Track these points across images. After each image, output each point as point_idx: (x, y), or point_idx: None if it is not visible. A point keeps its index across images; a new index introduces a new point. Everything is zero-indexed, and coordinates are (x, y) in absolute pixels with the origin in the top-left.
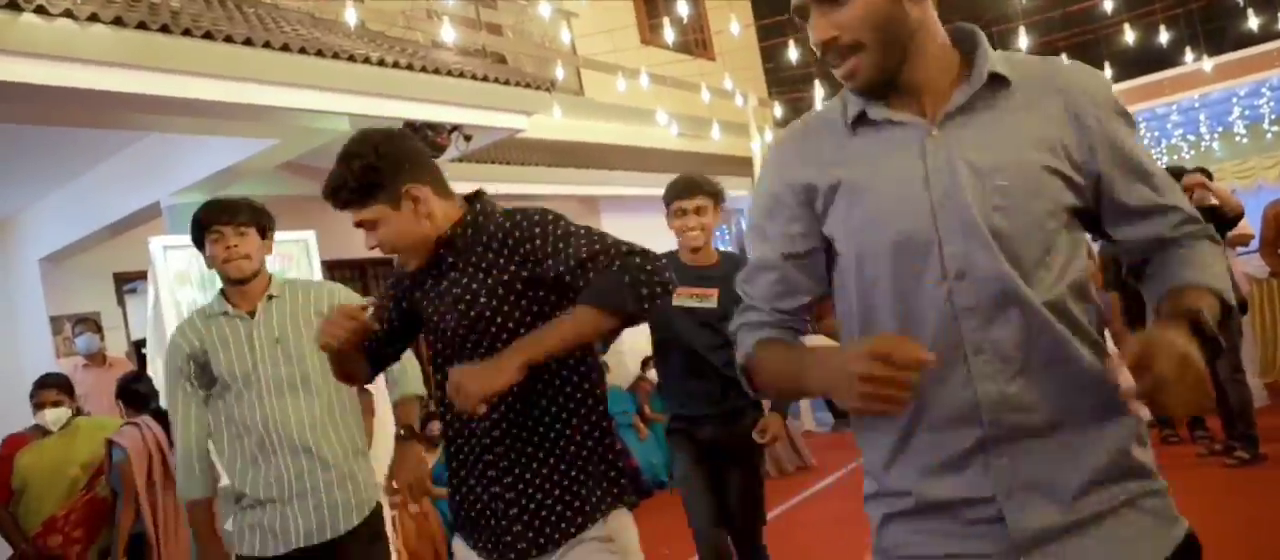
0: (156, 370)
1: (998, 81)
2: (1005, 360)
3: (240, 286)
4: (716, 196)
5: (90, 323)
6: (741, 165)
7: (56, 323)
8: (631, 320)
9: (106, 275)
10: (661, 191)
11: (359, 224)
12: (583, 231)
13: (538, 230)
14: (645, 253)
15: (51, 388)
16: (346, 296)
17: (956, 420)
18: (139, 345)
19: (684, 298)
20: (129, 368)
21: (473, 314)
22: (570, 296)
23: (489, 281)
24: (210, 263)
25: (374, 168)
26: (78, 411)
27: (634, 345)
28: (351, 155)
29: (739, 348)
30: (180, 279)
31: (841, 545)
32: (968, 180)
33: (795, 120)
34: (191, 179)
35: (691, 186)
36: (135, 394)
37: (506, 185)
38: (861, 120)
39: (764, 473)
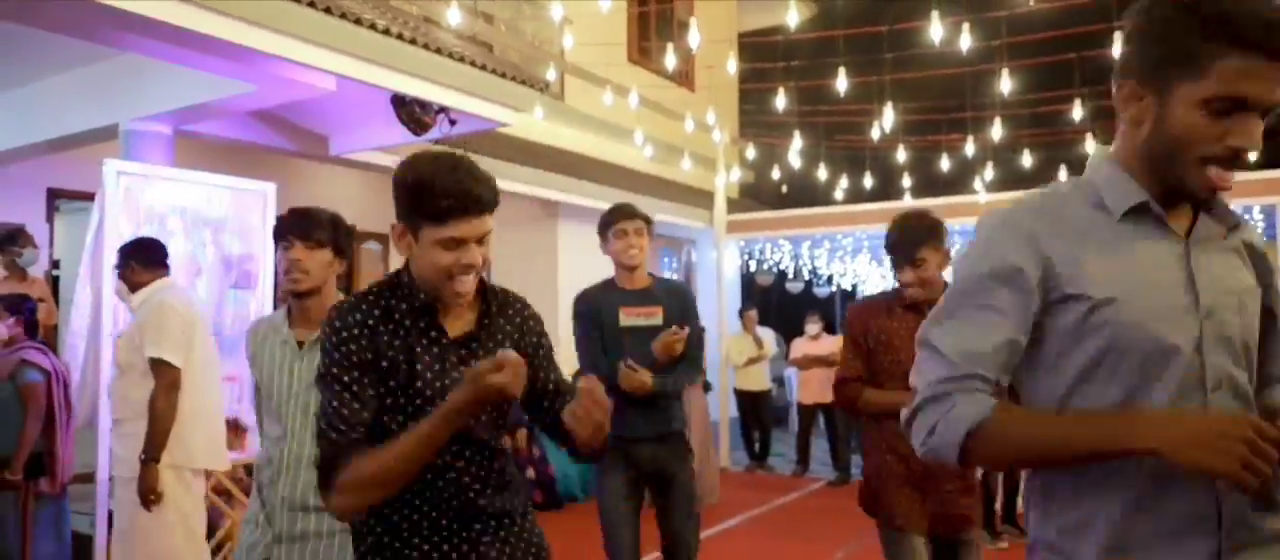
0: (83, 300)
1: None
2: None
3: (300, 301)
4: (650, 223)
5: (30, 239)
6: (703, 198)
7: None
8: None
9: (40, 189)
10: None
11: (480, 239)
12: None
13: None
14: None
15: None
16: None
17: (1194, 527)
18: (55, 265)
19: (632, 317)
20: (44, 289)
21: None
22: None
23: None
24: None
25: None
26: None
27: (562, 356)
28: (477, 168)
29: (950, 415)
30: (128, 206)
31: None
32: (1228, 299)
33: (1032, 192)
34: (158, 108)
35: (633, 211)
36: None
37: None
38: (1139, 212)
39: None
